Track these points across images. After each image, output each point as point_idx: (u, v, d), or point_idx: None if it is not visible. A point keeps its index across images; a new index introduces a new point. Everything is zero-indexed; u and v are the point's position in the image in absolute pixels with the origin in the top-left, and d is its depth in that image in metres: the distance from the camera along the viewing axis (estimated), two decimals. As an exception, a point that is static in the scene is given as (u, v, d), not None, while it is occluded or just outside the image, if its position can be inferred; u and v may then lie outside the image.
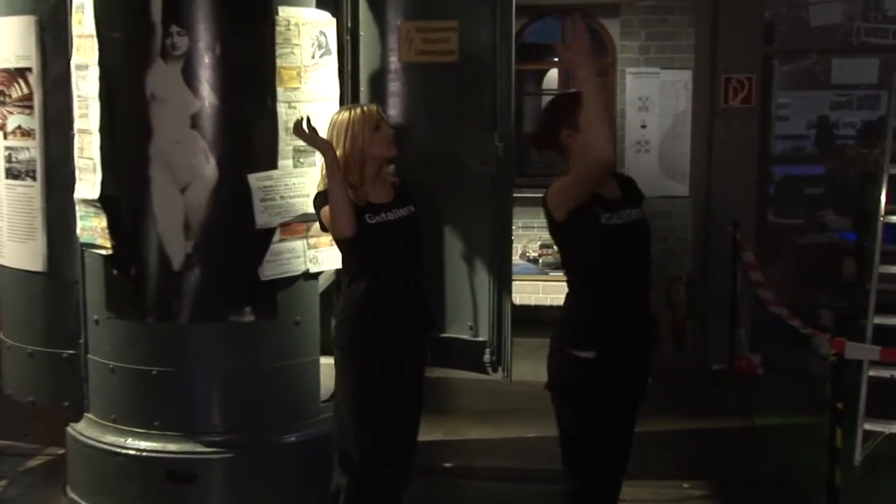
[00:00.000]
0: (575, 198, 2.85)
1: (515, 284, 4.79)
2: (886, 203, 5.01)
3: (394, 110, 4.17)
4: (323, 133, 3.32)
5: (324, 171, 3.28)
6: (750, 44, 6.54)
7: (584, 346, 2.91)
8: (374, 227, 3.26)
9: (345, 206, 3.17)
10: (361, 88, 4.24)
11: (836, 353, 3.72)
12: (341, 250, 3.37)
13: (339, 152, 3.26)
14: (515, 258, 6.69)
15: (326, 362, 3.79)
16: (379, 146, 3.30)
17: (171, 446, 3.68)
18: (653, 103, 8.01)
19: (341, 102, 3.89)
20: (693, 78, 7.42)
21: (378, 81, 4.21)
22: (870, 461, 4.65)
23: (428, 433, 3.94)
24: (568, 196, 2.86)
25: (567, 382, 2.97)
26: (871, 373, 4.77)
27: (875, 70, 9.30)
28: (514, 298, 4.23)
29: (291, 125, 3.41)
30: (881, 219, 4.98)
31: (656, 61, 8.02)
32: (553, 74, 9.65)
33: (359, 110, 3.33)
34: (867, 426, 4.69)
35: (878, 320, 4.84)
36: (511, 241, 4.37)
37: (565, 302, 3.04)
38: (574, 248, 2.98)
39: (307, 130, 3.27)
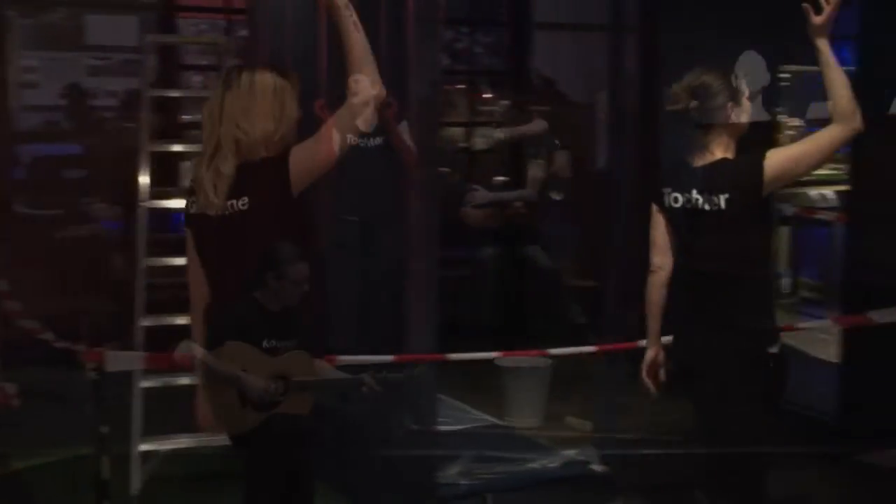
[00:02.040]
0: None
1: None
2: (150, 185, 5.35)
3: None
4: None
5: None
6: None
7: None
8: None
9: None
10: None
11: (96, 367, 3.88)
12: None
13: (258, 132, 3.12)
14: None
15: None
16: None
17: None
18: None
19: None
20: None
21: None
22: (155, 485, 4.96)
23: None
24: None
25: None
26: (145, 384, 5.06)
27: (134, 30, 9.83)
28: None
29: None
30: (142, 204, 5.30)
31: None
32: None
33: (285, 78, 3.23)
34: (144, 447, 4.99)
35: (148, 322, 5.16)
36: None
37: (739, 295, 3.50)
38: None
39: None
